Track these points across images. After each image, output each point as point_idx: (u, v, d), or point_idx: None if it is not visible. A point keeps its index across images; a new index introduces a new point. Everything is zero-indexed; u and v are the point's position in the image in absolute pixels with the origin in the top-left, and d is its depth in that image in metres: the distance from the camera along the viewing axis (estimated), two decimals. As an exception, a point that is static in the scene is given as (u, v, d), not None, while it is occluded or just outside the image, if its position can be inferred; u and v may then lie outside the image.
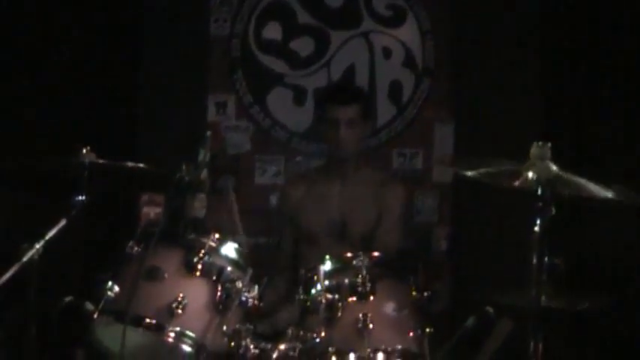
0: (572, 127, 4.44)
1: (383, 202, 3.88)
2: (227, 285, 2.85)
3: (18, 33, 4.38)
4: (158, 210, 3.96)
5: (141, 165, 3.21)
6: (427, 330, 2.88)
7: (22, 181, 3.39)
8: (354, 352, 2.80)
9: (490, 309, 3.10)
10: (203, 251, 2.86)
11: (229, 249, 2.93)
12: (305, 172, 4.51)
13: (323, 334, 2.82)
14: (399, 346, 2.84)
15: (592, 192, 2.70)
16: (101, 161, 3.11)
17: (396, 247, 3.84)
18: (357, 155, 3.85)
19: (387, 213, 3.87)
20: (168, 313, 2.76)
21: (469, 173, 2.81)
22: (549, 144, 2.76)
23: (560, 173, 2.71)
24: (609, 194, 2.69)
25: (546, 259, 2.80)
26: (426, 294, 2.97)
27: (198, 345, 2.79)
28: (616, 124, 4.40)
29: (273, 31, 4.76)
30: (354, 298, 2.89)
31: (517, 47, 4.64)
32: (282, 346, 2.82)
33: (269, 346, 2.82)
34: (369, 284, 2.89)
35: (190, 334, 2.79)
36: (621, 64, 4.38)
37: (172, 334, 2.77)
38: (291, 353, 2.81)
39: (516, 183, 2.69)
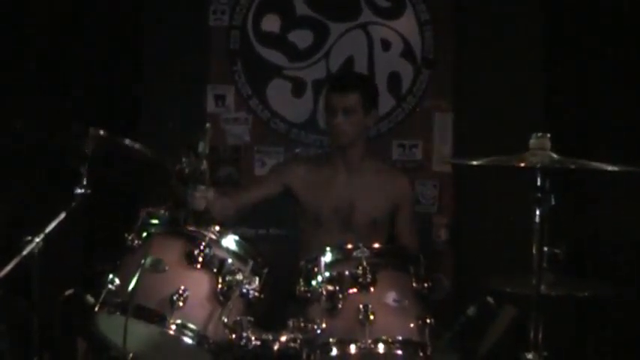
0: (573, 117, 4.45)
1: (395, 197, 3.91)
2: (228, 277, 2.86)
3: (19, 20, 4.37)
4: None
5: (137, 145, 3.19)
6: (428, 320, 2.88)
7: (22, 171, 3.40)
8: (356, 343, 2.81)
9: (490, 298, 3.11)
10: (204, 243, 2.87)
11: (230, 241, 2.93)
12: (307, 156, 4.51)
13: (324, 324, 2.82)
14: (400, 337, 2.84)
15: (597, 166, 2.71)
16: (102, 133, 3.08)
17: (417, 238, 3.90)
18: (361, 144, 3.85)
19: (401, 208, 3.92)
20: (170, 305, 2.77)
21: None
22: (549, 135, 2.77)
23: (561, 159, 2.73)
24: (615, 167, 2.70)
25: (546, 248, 2.81)
26: (426, 284, 2.98)
27: (199, 337, 2.80)
28: (618, 115, 4.40)
29: (271, 23, 4.76)
30: (355, 289, 2.89)
31: (517, 37, 4.64)
32: (283, 337, 2.82)
33: (270, 337, 2.82)
34: (369, 275, 2.89)
35: (192, 326, 2.79)
36: (622, 55, 4.38)
37: (174, 326, 2.78)
38: (293, 344, 2.81)
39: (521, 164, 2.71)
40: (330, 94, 3.82)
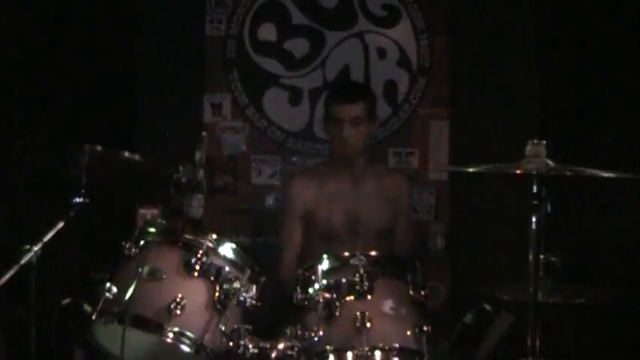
0: (569, 124, 4.46)
1: (396, 201, 3.92)
2: (225, 285, 2.86)
3: (15, 31, 4.38)
4: (155, 211, 3.98)
5: (137, 157, 3.20)
6: (425, 327, 2.88)
7: (20, 181, 3.41)
8: (353, 351, 2.81)
9: (488, 306, 3.12)
10: (201, 252, 2.87)
11: (227, 249, 2.94)
12: (310, 168, 4.49)
13: (321, 332, 2.83)
14: (397, 344, 2.85)
15: (593, 173, 2.72)
16: (99, 148, 3.09)
17: (412, 242, 3.91)
18: (363, 153, 3.86)
19: (400, 212, 3.93)
20: (167, 314, 2.77)
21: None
22: (545, 142, 2.78)
23: (557, 167, 2.74)
24: (611, 174, 2.71)
25: (542, 256, 2.82)
26: (423, 292, 2.99)
27: (197, 345, 2.80)
28: (615, 122, 4.41)
29: (268, 32, 4.76)
30: (352, 297, 2.89)
31: (513, 44, 4.65)
32: (280, 345, 2.83)
33: (268, 345, 2.82)
34: (366, 283, 2.89)
35: (189, 334, 2.80)
36: (619, 63, 4.38)
37: (171, 335, 2.78)
38: (290, 352, 2.82)
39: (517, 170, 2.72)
40: (335, 105, 3.80)
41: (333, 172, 3.90)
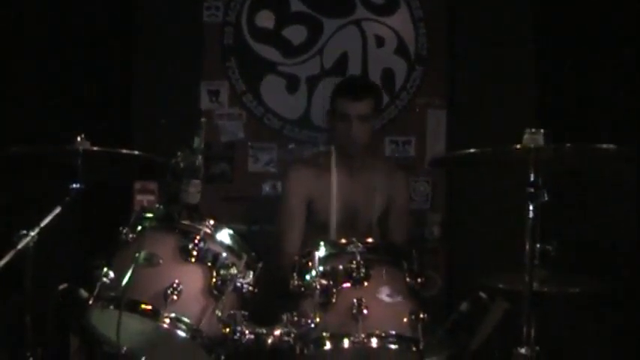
0: (567, 114, 4.46)
1: (390, 191, 3.93)
2: (222, 271, 2.86)
3: (14, 20, 4.37)
4: (151, 198, 3.97)
5: (135, 152, 3.23)
6: (421, 315, 2.89)
7: (17, 168, 3.41)
8: (349, 337, 2.82)
9: (483, 294, 3.13)
10: (198, 237, 2.87)
11: (224, 235, 2.94)
12: (309, 157, 4.47)
13: (318, 319, 2.83)
14: (394, 331, 2.85)
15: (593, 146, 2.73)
16: (95, 148, 3.12)
17: (407, 233, 3.90)
18: (366, 146, 3.87)
19: (394, 202, 3.94)
20: (164, 299, 2.77)
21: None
22: (542, 130, 2.79)
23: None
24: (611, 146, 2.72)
25: (539, 245, 2.83)
26: (419, 280, 2.99)
27: (193, 330, 2.80)
28: (612, 112, 4.41)
29: (265, 20, 4.76)
30: (349, 284, 2.90)
31: (511, 33, 4.65)
32: (277, 332, 2.84)
33: (264, 331, 2.84)
34: (363, 270, 2.90)
35: (185, 319, 2.79)
36: (615, 52, 4.39)
37: (167, 320, 2.78)
38: (286, 338, 2.83)
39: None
40: (343, 102, 3.80)
41: (329, 162, 3.91)
